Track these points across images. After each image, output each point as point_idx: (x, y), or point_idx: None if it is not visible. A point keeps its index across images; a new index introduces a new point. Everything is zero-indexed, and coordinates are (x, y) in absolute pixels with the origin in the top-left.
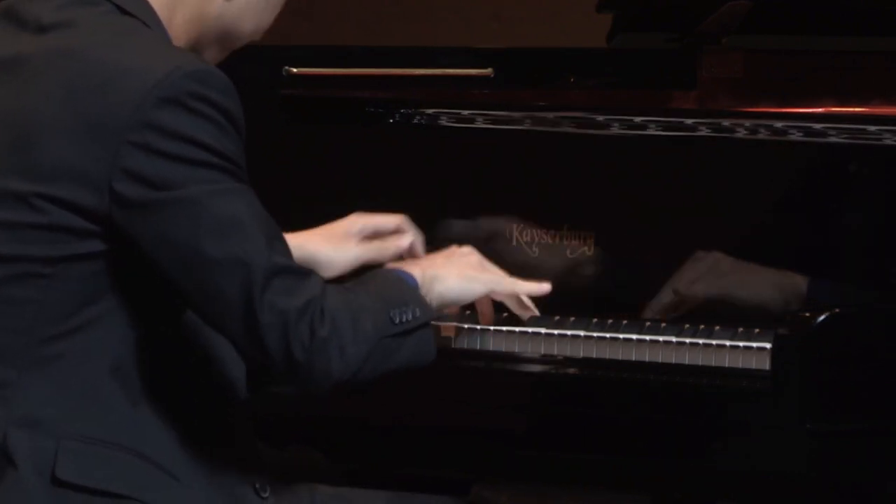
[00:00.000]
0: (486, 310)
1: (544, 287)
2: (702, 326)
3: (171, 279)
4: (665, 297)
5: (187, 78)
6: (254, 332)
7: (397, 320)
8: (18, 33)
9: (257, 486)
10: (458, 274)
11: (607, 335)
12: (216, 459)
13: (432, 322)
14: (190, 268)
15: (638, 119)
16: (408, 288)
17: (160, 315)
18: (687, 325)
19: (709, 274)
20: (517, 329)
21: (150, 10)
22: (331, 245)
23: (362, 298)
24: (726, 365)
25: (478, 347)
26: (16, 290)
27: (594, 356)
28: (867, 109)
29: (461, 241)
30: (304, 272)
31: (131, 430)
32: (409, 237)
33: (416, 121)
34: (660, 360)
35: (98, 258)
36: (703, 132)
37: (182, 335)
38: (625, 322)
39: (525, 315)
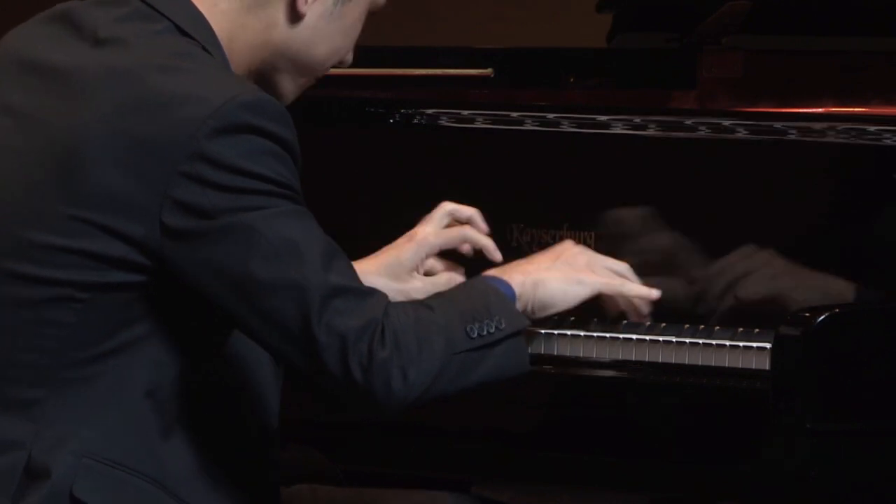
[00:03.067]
0: (613, 308)
1: (654, 293)
2: (702, 326)
3: (225, 307)
4: (724, 302)
5: (242, 108)
6: (312, 355)
7: (475, 334)
8: (74, 41)
9: None
10: (562, 277)
11: (607, 335)
12: (237, 498)
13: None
14: (245, 294)
15: (638, 119)
16: (497, 298)
17: (196, 346)
18: (687, 325)
19: (765, 276)
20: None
21: (211, 33)
22: (391, 280)
23: (435, 315)
24: (726, 365)
25: None
26: (50, 312)
27: (594, 356)
28: (867, 109)
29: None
30: (364, 291)
31: (156, 459)
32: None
33: (416, 121)
34: (660, 360)
35: (137, 288)
36: (703, 132)
37: (218, 368)
38: (625, 322)
39: (639, 319)
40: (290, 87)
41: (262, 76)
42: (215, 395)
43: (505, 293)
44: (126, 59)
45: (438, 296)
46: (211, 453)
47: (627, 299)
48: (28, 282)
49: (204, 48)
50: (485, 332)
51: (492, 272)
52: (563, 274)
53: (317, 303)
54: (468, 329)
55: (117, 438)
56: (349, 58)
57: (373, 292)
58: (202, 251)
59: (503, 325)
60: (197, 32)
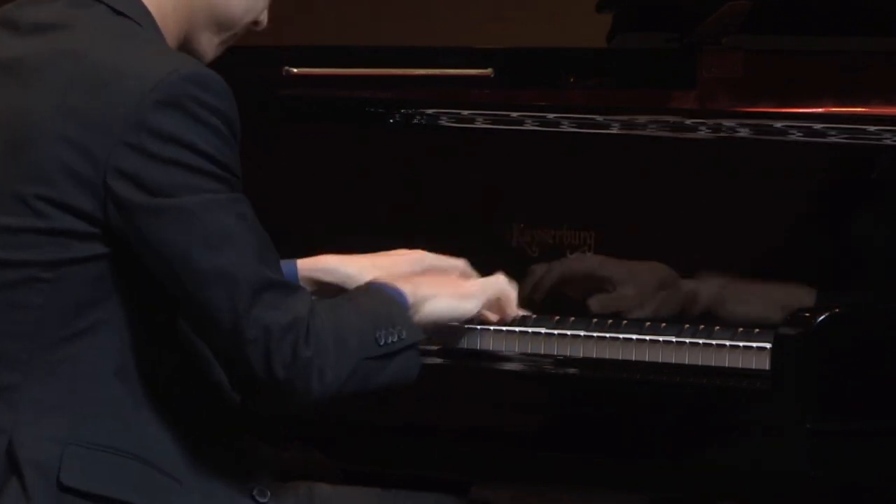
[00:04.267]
0: (497, 314)
1: (518, 315)
2: (702, 326)
3: (164, 283)
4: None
5: (185, 81)
6: (238, 345)
7: (382, 342)
8: (14, 36)
9: (255, 491)
10: (451, 294)
11: (607, 335)
12: (217, 462)
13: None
14: (179, 277)
15: (638, 119)
16: (398, 308)
17: (160, 318)
18: (687, 325)
19: (764, 276)
20: (517, 329)
21: (144, 10)
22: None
23: (351, 317)
24: (726, 365)
25: (477, 347)
26: (18, 295)
27: (594, 356)
28: (867, 109)
29: (461, 241)
30: (292, 288)
31: (135, 435)
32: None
33: (416, 121)
34: (660, 360)
35: (99, 261)
36: (703, 132)
37: (181, 337)
38: (625, 322)
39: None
40: (209, 45)
41: (188, 39)
42: (179, 368)
43: (401, 303)
44: (67, 42)
45: (350, 297)
46: (182, 425)
47: (508, 308)
48: None
49: (139, 25)
50: (391, 341)
51: (382, 279)
52: (450, 290)
53: (247, 294)
54: (377, 335)
55: (97, 420)
56: (264, 17)
57: (298, 289)
58: (143, 226)
59: (405, 336)
60: (131, 11)
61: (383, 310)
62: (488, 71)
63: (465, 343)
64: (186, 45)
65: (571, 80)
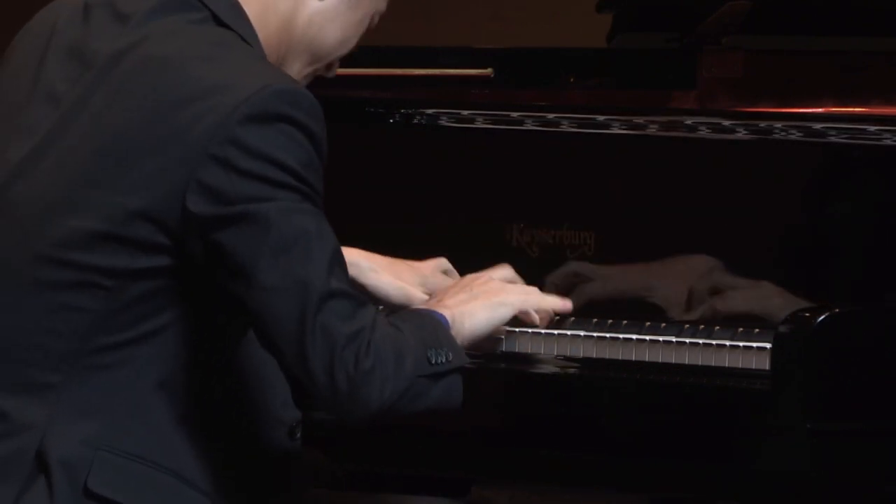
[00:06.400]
0: (530, 322)
1: (567, 305)
2: (702, 326)
3: (230, 294)
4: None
5: (276, 97)
6: (302, 353)
7: (433, 361)
8: (117, 29)
9: None
10: (483, 304)
11: (607, 335)
12: (252, 490)
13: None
14: (248, 283)
15: (638, 119)
16: (443, 330)
17: (214, 337)
18: (687, 325)
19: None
20: (517, 329)
21: (247, 23)
22: (397, 287)
23: (407, 334)
24: (726, 365)
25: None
26: (74, 296)
27: (594, 356)
28: (867, 109)
29: (461, 241)
30: (359, 300)
31: (171, 450)
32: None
33: (416, 121)
34: (660, 360)
35: (161, 276)
36: (703, 132)
37: (234, 360)
38: (625, 322)
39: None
40: (298, 74)
41: (278, 62)
42: (226, 390)
43: (445, 325)
44: (166, 49)
45: (403, 317)
46: (222, 448)
47: (544, 312)
48: (58, 265)
49: (242, 38)
50: (441, 361)
51: (422, 306)
52: (483, 300)
53: (314, 303)
54: (429, 354)
55: (132, 429)
56: (336, 65)
57: (365, 303)
58: (219, 234)
59: (451, 358)
60: (234, 22)
61: (431, 331)
62: (488, 71)
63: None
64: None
65: (571, 80)
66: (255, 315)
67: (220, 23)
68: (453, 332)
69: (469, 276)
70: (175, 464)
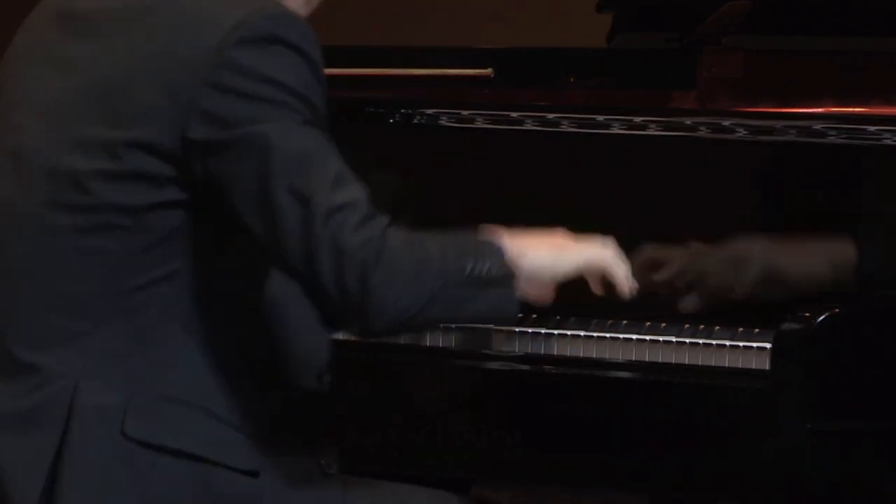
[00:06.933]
0: (596, 290)
1: (634, 286)
2: (702, 326)
3: (239, 216)
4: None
5: (267, 19)
6: (312, 268)
7: (468, 270)
8: None
9: (322, 462)
10: (551, 248)
11: (607, 335)
12: (282, 421)
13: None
14: (255, 202)
15: (638, 119)
16: (489, 247)
17: (236, 274)
18: (687, 325)
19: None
20: (517, 329)
21: None
22: None
23: (431, 246)
24: (726, 365)
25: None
26: (94, 240)
27: (594, 356)
28: (867, 109)
29: None
30: (367, 211)
31: (202, 390)
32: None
33: (416, 121)
34: (660, 360)
35: (177, 208)
36: (703, 132)
37: (258, 301)
38: (625, 322)
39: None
40: (296, 3)
41: None
42: (254, 328)
43: (496, 244)
44: None
45: (444, 234)
46: (253, 382)
47: (611, 282)
48: (71, 210)
49: None
50: (479, 271)
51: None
52: (553, 245)
53: (320, 217)
54: (464, 264)
55: (163, 371)
56: None
57: (374, 214)
58: (222, 158)
59: (495, 270)
60: None
61: (472, 245)
62: (488, 71)
63: (469, 343)
64: None
65: (571, 80)
66: (265, 237)
67: None
68: (510, 262)
69: (558, 232)
70: (208, 402)
